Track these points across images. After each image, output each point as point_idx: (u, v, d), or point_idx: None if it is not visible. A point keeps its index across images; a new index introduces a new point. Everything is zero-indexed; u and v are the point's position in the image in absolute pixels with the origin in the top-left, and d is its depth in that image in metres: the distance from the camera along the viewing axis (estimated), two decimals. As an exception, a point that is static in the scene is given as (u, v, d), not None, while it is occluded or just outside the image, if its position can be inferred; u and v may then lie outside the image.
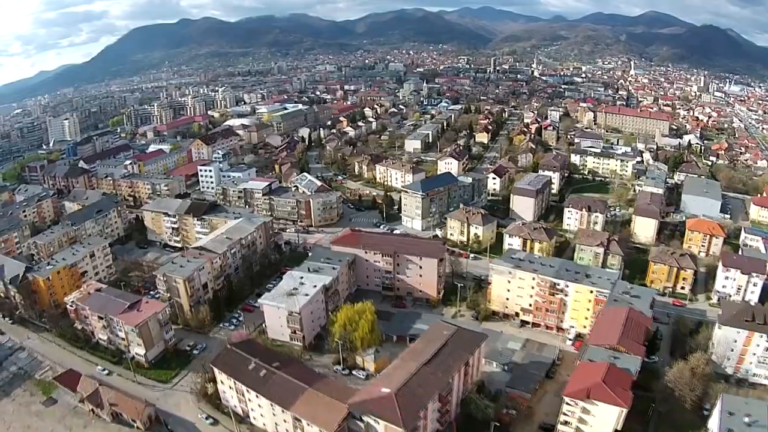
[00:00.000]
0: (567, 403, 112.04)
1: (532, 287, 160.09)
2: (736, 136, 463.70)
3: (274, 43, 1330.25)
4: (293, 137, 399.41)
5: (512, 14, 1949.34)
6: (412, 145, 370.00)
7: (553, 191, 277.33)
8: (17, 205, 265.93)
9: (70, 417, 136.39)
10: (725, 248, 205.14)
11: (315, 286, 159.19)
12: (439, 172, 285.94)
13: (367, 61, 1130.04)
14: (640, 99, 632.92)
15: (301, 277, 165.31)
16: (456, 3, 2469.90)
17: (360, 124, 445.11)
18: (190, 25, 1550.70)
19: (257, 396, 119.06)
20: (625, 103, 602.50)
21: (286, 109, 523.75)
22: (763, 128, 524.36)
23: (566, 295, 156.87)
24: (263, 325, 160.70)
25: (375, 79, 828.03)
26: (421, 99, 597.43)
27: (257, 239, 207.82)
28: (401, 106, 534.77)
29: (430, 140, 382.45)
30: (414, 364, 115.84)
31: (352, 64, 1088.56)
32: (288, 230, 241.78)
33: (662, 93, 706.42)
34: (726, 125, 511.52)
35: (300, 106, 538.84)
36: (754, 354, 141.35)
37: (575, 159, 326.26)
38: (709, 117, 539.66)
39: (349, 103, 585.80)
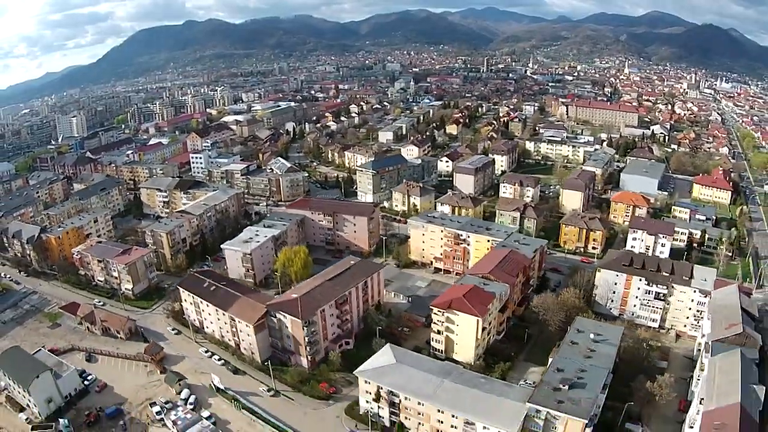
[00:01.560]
0: (435, 313, 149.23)
1: (441, 238, 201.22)
2: (709, 127, 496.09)
3: (277, 44, 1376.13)
4: (278, 131, 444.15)
5: (516, 15, 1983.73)
6: (385, 136, 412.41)
7: (503, 171, 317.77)
8: (31, 187, 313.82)
9: (70, 334, 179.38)
10: (647, 217, 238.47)
11: (266, 236, 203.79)
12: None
13: (367, 61, 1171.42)
14: (622, 95, 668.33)
15: (257, 231, 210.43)
16: (462, 4, 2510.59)
17: (343, 119, 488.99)
18: (195, 27, 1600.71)
19: (207, 305, 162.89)
20: (606, 99, 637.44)
21: (279, 106, 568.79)
22: (742, 121, 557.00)
23: (468, 244, 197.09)
24: (225, 268, 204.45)
25: (369, 78, 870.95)
26: (407, 96, 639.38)
27: (230, 207, 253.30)
28: (386, 103, 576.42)
29: (404, 132, 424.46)
30: (320, 281, 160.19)
31: (352, 64, 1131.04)
32: (261, 204, 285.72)
33: (649, 90, 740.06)
34: (702, 118, 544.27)
35: (292, 103, 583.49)
36: (636, 297, 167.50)
37: (530, 146, 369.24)
38: (689, 111, 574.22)
39: (338, 100, 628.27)
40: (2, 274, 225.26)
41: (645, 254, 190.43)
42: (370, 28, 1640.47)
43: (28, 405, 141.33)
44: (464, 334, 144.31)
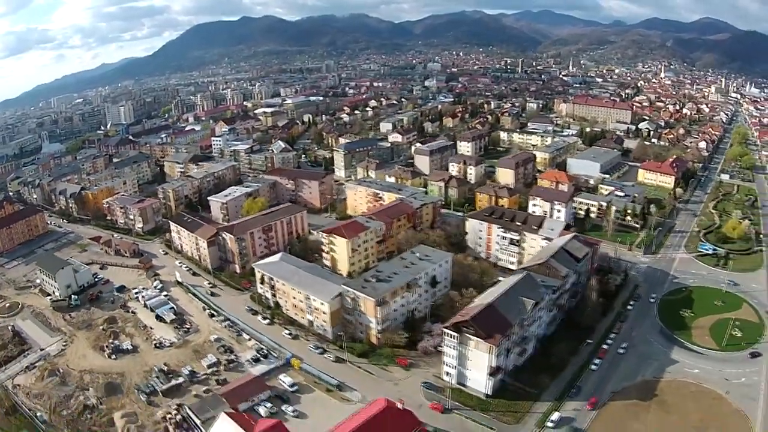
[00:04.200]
0: (323, 237, 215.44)
1: (366, 196, 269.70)
2: (707, 125, 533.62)
3: (330, 42, 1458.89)
4: (295, 120, 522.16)
5: (572, 18, 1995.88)
6: (386, 127, 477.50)
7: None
8: (78, 161, 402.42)
9: (92, 255, 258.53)
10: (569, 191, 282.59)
11: (241, 192, 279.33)
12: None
13: (414, 61, 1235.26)
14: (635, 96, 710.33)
15: (236, 189, 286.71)
16: (519, 6, 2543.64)
17: (357, 112, 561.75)
18: (251, 23, 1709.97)
19: (184, 230, 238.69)
20: (621, 99, 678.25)
21: (309, 100, 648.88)
22: (750, 122, 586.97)
23: (383, 200, 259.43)
24: (210, 214, 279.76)
25: (405, 77, 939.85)
26: (428, 94, 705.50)
27: (227, 174, 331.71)
28: (403, 100, 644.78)
29: (404, 124, 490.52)
30: (254, 216, 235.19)
31: (398, 63, 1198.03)
32: (260, 176, 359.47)
33: (673, 93, 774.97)
34: (709, 117, 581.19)
35: (320, 98, 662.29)
36: (498, 243, 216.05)
37: (503, 135, 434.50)
38: (697, 111, 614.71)
39: (364, 96, 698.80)
40: (50, 222, 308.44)
41: (504, 208, 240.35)
42: (424, 28, 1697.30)
43: (53, 291, 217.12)
44: (340, 252, 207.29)
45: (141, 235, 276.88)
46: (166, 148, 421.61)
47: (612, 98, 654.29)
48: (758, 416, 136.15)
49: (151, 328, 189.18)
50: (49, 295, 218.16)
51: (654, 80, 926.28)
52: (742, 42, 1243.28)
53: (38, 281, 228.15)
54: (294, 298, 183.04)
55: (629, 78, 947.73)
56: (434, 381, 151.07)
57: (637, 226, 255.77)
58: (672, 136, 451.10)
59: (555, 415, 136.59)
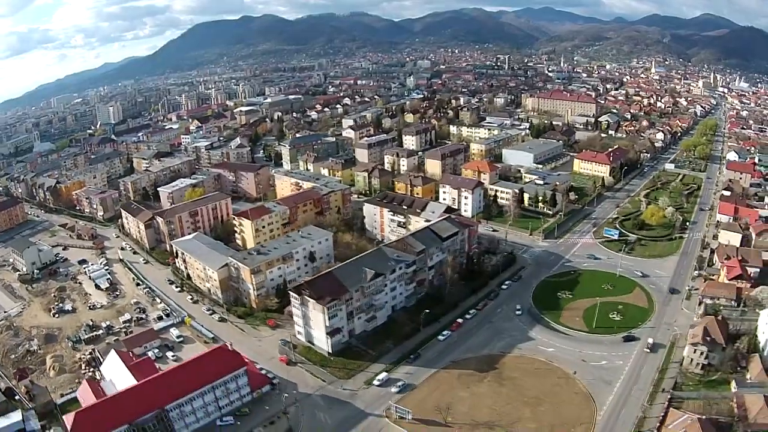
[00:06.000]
0: (234, 220, 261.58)
1: (289, 185, 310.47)
2: (677, 117, 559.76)
3: (328, 41, 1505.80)
4: (264, 118, 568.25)
5: (572, 15, 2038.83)
6: (348, 123, 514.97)
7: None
8: (61, 158, 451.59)
9: (59, 239, 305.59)
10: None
11: (186, 183, 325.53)
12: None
13: (408, 59, 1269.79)
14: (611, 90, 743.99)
15: (184, 181, 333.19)
16: (520, 3, 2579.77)
17: (326, 110, 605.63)
18: (251, 23, 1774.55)
19: (130, 216, 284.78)
20: (596, 94, 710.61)
21: (288, 99, 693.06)
22: (728, 115, 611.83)
23: (302, 188, 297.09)
24: (160, 203, 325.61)
25: (391, 75, 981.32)
26: (404, 91, 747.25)
27: (182, 168, 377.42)
28: (376, 97, 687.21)
29: (368, 120, 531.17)
30: (185, 202, 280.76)
31: (391, 62, 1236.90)
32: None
33: (657, 87, 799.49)
34: (680, 110, 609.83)
35: (297, 96, 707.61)
36: (389, 225, 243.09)
37: (453, 129, 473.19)
38: (673, 104, 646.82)
39: (341, 94, 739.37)
40: (29, 212, 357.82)
41: (396, 194, 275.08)
42: (423, 26, 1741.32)
43: (22, 268, 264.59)
44: (247, 232, 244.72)
45: (101, 221, 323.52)
46: (139, 146, 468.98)
47: (587, 93, 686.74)
48: (608, 399, 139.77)
49: (89, 294, 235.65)
50: (18, 270, 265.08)
51: (643, 75, 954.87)
52: (739, 38, 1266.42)
53: (11, 260, 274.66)
54: (197, 268, 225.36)
55: (617, 73, 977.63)
56: (292, 339, 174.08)
57: (549, 212, 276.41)
58: (632, 128, 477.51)
59: (382, 375, 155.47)
